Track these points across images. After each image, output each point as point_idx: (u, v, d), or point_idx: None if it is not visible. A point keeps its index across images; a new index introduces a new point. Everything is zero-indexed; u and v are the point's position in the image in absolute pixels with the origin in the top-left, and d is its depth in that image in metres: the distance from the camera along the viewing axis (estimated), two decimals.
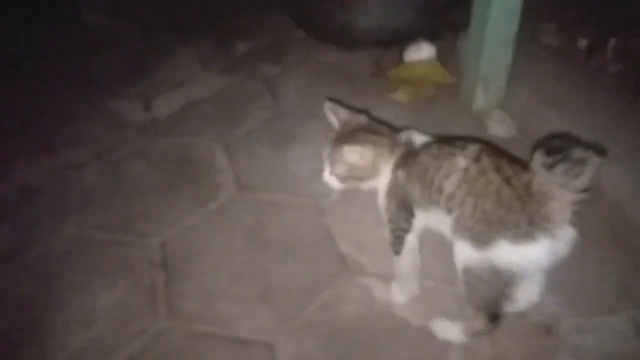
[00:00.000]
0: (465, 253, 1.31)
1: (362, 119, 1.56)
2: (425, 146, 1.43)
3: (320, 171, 1.56)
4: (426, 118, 2.26)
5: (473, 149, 1.34)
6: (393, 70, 2.64)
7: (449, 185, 1.32)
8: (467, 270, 1.32)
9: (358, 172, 1.48)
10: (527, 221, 1.22)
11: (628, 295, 1.59)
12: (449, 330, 1.50)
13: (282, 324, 1.61)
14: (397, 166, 1.45)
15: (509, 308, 1.44)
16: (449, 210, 1.33)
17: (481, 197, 1.27)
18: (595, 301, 1.58)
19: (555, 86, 2.15)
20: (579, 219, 1.24)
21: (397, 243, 1.53)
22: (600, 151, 1.18)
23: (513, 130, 2.20)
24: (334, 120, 1.57)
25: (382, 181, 1.50)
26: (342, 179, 1.50)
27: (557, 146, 1.18)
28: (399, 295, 1.63)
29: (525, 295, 1.49)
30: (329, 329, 1.58)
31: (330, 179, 1.53)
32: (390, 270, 1.65)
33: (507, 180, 1.26)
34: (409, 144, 1.47)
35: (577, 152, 1.16)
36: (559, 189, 1.19)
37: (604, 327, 1.52)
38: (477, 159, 1.31)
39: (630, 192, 1.76)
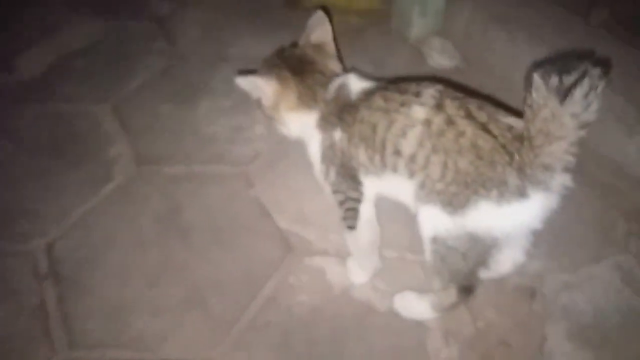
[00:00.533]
0: (434, 220, 1.09)
1: (319, 56, 1.26)
2: (366, 97, 1.15)
3: (241, 129, 1.19)
4: (356, 54, 1.90)
5: (431, 93, 1.07)
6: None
7: (407, 145, 1.06)
8: (436, 240, 1.10)
9: (267, 111, 1.25)
10: (517, 175, 0.98)
11: (609, 239, 1.42)
12: (415, 307, 1.27)
13: (220, 333, 1.28)
14: (328, 123, 1.19)
15: (487, 275, 1.22)
16: (410, 175, 1.09)
17: (452, 154, 1.02)
18: (577, 250, 1.40)
19: (503, 1, 1.86)
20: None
21: (350, 216, 1.27)
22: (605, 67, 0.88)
23: (457, 60, 1.92)
24: (304, 35, 1.28)
25: (307, 139, 1.25)
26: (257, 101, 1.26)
27: (561, 65, 0.90)
28: (359, 274, 1.36)
29: (507, 260, 1.27)
30: (281, 329, 1.29)
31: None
32: (343, 244, 1.37)
33: (484, 127, 1.01)
34: (343, 95, 1.19)
35: (591, 71, 0.88)
36: (571, 121, 0.91)
37: (592, 280, 1.34)
38: (438, 106, 1.05)
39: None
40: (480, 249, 1.08)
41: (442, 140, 1.02)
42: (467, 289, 1.18)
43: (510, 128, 1.01)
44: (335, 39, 1.28)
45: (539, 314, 1.29)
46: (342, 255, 1.39)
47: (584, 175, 1.54)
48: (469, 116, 1.02)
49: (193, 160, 1.66)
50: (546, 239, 1.39)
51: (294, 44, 1.30)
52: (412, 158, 1.06)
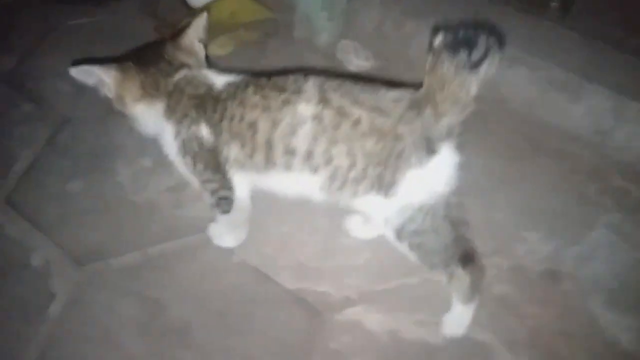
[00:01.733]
0: (380, 210, 1.08)
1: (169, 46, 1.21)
2: (234, 91, 1.11)
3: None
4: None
5: (311, 88, 1.05)
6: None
7: (300, 143, 1.04)
8: (400, 234, 1.08)
9: (115, 105, 1.21)
10: (425, 137, 1.01)
11: (587, 202, 1.49)
12: (458, 319, 1.19)
13: None
14: (183, 116, 1.14)
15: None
16: (313, 170, 1.06)
17: (355, 141, 1.02)
18: (570, 222, 1.44)
19: None
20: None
21: (224, 204, 1.25)
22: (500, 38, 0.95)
23: (372, 59, 1.85)
24: None
25: (157, 132, 1.21)
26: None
27: (464, 36, 0.95)
28: (227, 239, 1.34)
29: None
30: None
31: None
32: (361, 283, 1.28)
33: (375, 108, 1.02)
34: (195, 87, 1.15)
35: (494, 45, 0.94)
36: (476, 88, 0.97)
37: (598, 247, 1.39)
38: (323, 99, 1.03)
39: (537, 95, 1.64)
40: (439, 213, 1.07)
41: (340, 132, 1.02)
42: (466, 257, 1.13)
43: (397, 100, 1.02)
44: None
45: (573, 292, 1.30)
46: (367, 297, 1.27)
47: (538, 148, 1.62)
48: (357, 102, 1.02)
49: (142, 242, 1.35)
50: (540, 219, 1.43)
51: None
52: (309, 155, 1.04)
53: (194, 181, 1.23)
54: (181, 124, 1.15)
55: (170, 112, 1.16)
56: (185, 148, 1.16)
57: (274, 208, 1.32)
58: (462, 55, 0.94)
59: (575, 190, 1.52)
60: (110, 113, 1.41)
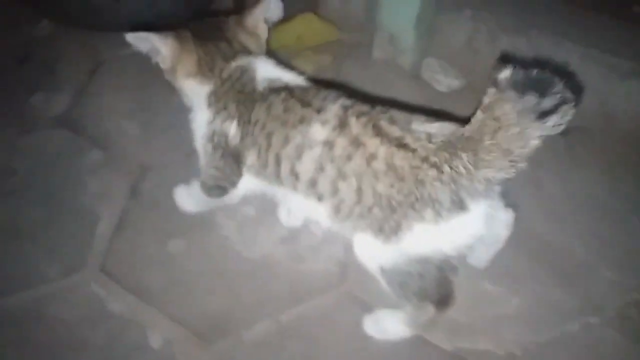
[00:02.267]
0: (372, 250, 0.97)
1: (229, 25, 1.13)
2: (268, 94, 1.03)
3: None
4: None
5: (335, 109, 0.95)
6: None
7: (304, 169, 0.96)
8: (385, 270, 0.98)
9: (166, 75, 1.14)
10: (451, 189, 0.87)
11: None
12: (388, 327, 1.10)
13: None
14: (223, 109, 1.07)
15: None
16: (318, 198, 0.98)
17: (366, 179, 0.91)
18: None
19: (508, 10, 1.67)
20: None
21: (217, 192, 1.19)
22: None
23: (461, 78, 1.72)
24: None
25: (194, 108, 1.14)
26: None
27: (536, 80, 0.81)
28: (192, 205, 1.30)
29: (478, 256, 1.17)
30: None
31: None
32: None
33: (399, 143, 0.89)
34: (245, 80, 1.07)
35: (568, 98, 0.81)
36: (537, 142, 0.83)
37: None
38: (342, 124, 0.93)
39: None
40: (435, 265, 0.97)
41: (351, 165, 0.91)
42: (443, 301, 1.04)
43: (430, 136, 0.89)
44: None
45: None
46: (532, 353, 1.13)
47: None
48: (380, 133, 0.90)
49: (270, 307, 1.18)
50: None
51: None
52: (312, 183, 0.96)
53: (202, 160, 1.17)
54: (218, 115, 1.08)
55: (214, 98, 1.09)
56: (212, 137, 1.10)
57: None
58: (531, 99, 0.79)
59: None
60: (191, 156, 1.27)
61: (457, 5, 1.63)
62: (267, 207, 1.31)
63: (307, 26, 1.80)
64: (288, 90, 1.02)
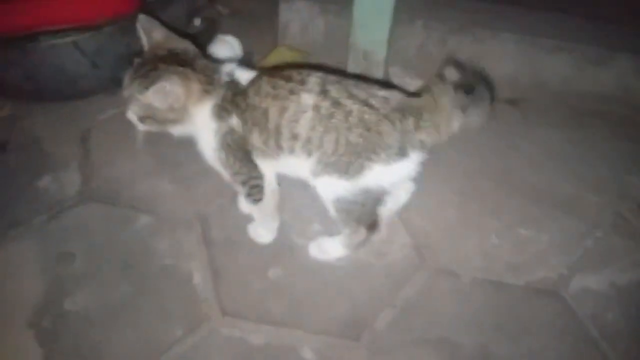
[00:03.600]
0: (333, 187, 1.25)
1: (183, 45, 1.25)
2: (253, 83, 1.24)
3: None
4: None
5: (314, 80, 1.20)
6: None
7: (302, 129, 1.19)
8: (338, 200, 1.27)
9: (160, 114, 1.21)
10: (400, 139, 1.18)
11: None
12: (329, 250, 1.43)
13: None
14: (224, 110, 1.23)
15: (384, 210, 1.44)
16: (308, 154, 1.22)
17: (343, 131, 1.17)
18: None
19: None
20: None
21: (256, 192, 1.36)
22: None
23: (420, 79, 2.06)
24: (144, 41, 1.25)
25: (200, 129, 1.27)
26: (142, 119, 1.22)
27: (471, 84, 1.18)
28: (265, 235, 1.47)
29: (396, 198, 1.49)
30: None
31: (132, 118, 1.24)
32: None
33: (366, 103, 1.17)
34: (233, 83, 1.25)
35: (488, 99, 1.20)
36: (458, 126, 1.19)
37: None
38: (323, 91, 1.18)
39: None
40: (375, 196, 1.27)
41: (332, 121, 1.17)
42: (372, 226, 1.38)
43: (386, 99, 1.18)
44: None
45: None
46: None
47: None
48: (351, 96, 1.17)
49: (384, 296, 1.38)
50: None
51: (140, 54, 1.25)
52: (308, 141, 1.19)
53: (227, 175, 1.32)
54: (221, 118, 1.23)
55: (217, 108, 1.23)
56: (222, 142, 1.25)
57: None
58: (461, 97, 1.14)
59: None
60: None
61: (410, 18, 1.94)
62: (329, 221, 1.48)
63: (280, 57, 1.98)
64: (266, 74, 1.23)
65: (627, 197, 1.71)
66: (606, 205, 1.67)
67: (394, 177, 1.23)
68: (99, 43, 1.67)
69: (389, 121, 1.16)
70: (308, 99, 1.17)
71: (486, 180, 1.71)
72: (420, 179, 1.34)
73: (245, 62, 2.01)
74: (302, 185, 1.34)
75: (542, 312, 1.38)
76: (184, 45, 1.25)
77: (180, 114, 1.21)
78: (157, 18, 1.25)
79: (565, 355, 1.30)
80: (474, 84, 1.17)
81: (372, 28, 1.83)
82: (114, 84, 1.81)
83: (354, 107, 1.16)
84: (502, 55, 1.95)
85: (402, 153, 1.18)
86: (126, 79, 1.20)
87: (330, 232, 1.47)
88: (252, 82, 1.24)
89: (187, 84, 1.18)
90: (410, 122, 1.16)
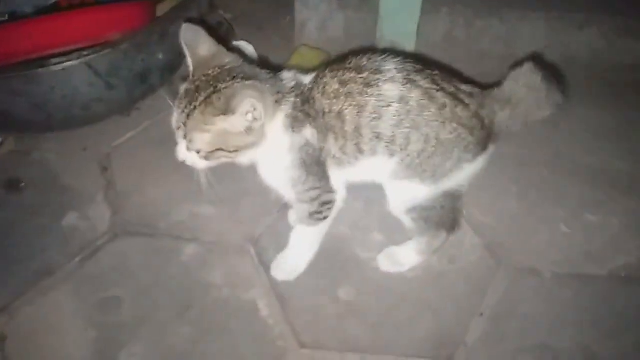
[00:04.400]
0: (413, 193, 1.13)
1: (231, 58, 1.06)
2: (315, 86, 1.06)
3: None
4: None
5: (392, 66, 1.03)
6: None
7: (385, 127, 1.03)
8: (414, 209, 1.16)
9: (235, 141, 1.00)
10: (487, 136, 1.09)
11: None
12: (402, 259, 1.31)
13: None
14: (296, 121, 1.04)
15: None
16: (391, 155, 1.07)
17: (433, 125, 1.03)
18: None
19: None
20: None
21: (327, 209, 1.17)
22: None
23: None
24: (189, 58, 1.05)
25: (270, 148, 1.06)
26: (209, 155, 1.01)
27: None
28: (290, 272, 1.30)
29: None
30: None
31: (189, 157, 1.03)
32: None
33: (456, 97, 1.05)
34: (299, 88, 1.06)
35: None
36: (542, 106, 1.12)
37: None
38: (410, 80, 1.02)
39: None
40: (452, 195, 1.17)
41: (425, 114, 1.02)
42: (453, 226, 1.25)
43: (471, 95, 1.07)
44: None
45: None
46: None
47: None
48: (440, 88, 1.03)
49: (471, 305, 1.28)
50: None
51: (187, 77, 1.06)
52: (392, 140, 1.04)
53: (291, 195, 1.14)
54: (295, 131, 1.04)
55: (290, 120, 1.04)
56: (297, 158, 1.06)
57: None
58: (553, 89, 1.09)
59: None
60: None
61: (434, 6, 1.83)
62: (390, 228, 1.38)
63: (302, 59, 1.86)
64: (329, 69, 1.06)
65: None
66: None
67: (473, 173, 1.13)
68: (113, 62, 1.51)
69: (478, 118, 1.06)
70: (392, 89, 1.00)
71: (539, 167, 1.62)
72: None
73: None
74: (353, 193, 1.23)
75: (635, 301, 1.30)
76: (233, 58, 1.06)
77: (258, 135, 1.01)
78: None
79: None
80: (549, 77, 1.10)
81: (400, 20, 1.72)
82: (130, 105, 1.72)
83: (446, 100, 1.02)
84: (531, 34, 1.86)
85: (483, 148, 1.10)
86: (177, 114, 1.00)
87: (393, 240, 1.37)
88: (314, 83, 1.06)
89: (263, 97, 0.98)
90: (495, 115, 1.08)
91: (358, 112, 1.02)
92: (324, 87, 1.04)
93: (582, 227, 1.46)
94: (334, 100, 1.03)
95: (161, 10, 1.75)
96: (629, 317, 1.26)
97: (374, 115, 1.02)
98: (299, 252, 1.28)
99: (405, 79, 1.01)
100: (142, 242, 1.40)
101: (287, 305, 1.26)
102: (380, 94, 1.00)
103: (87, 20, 1.52)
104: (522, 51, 1.79)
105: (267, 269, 1.33)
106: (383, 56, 1.05)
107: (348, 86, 1.02)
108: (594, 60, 1.92)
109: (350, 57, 1.07)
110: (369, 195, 1.36)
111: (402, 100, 1.00)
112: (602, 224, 1.47)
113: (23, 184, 1.56)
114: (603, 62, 1.93)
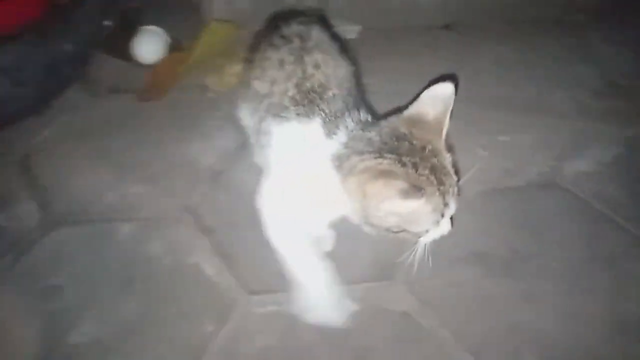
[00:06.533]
0: None
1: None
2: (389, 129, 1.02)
3: None
4: None
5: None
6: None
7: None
8: None
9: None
10: None
11: None
12: None
13: None
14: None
15: None
16: None
17: None
18: None
19: None
20: None
21: None
22: None
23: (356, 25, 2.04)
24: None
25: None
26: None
27: None
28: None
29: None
30: None
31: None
32: None
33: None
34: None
35: None
36: None
37: None
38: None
39: None
40: None
41: None
42: None
43: None
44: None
45: None
46: None
47: None
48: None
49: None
50: None
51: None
52: None
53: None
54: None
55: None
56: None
57: None
58: None
59: None
60: None
61: None
62: None
63: (214, 34, 1.87)
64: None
65: (582, 86, 1.79)
66: (567, 97, 1.74)
67: None
68: (18, 55, 1.46)
69: None
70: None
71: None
72: None
73: (175, 49, 1.90)
74: None
75: (551, 203, 1.41)
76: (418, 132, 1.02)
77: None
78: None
79: (583, 234, 1.33)
80: None
81: None
82: (43, 101, 1.67)
83: None
84: None
85: None
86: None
87: None
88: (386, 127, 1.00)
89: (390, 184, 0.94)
90: None
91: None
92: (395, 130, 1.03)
93: (498, 147, 1.56)
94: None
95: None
96: (549, 216, 1.37)
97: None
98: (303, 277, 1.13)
99: None
100: (76, 231, 1.38)
101: (231, 261, 1.28)
102: None
103: None
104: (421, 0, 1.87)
105: (208, 233, 1.33)
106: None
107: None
108: (493, 3, 2.04)
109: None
110: None
111: None
112: (514, 143, 1.57)
113: None
114: (503, 2, 2.06)
